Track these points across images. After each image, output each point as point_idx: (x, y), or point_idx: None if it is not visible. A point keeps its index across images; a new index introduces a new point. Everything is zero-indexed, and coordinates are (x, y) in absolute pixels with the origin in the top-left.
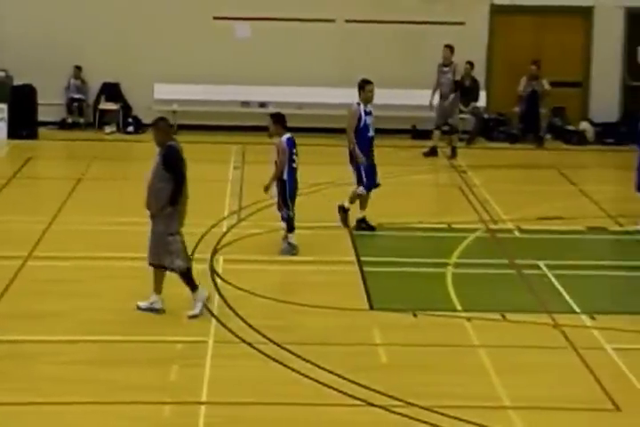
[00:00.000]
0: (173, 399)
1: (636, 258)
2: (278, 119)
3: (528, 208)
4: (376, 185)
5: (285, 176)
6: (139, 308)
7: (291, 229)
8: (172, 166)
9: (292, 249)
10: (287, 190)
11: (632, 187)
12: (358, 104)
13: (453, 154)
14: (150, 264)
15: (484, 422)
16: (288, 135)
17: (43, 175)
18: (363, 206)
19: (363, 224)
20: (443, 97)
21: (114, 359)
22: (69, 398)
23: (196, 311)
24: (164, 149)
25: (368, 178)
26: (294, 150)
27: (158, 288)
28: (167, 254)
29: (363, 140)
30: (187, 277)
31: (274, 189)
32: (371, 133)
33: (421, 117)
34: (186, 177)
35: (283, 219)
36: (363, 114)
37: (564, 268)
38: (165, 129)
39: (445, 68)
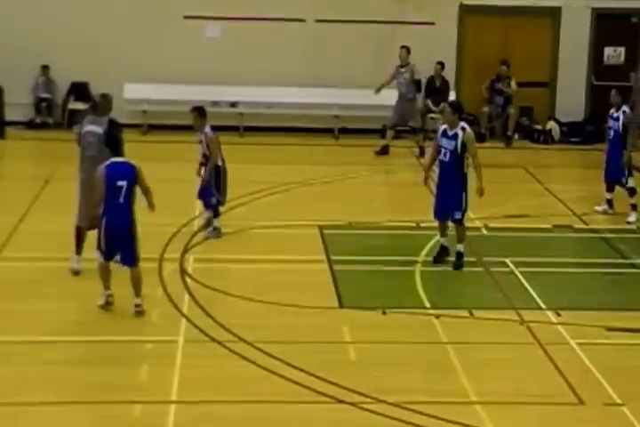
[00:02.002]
0: (143, 399)
1: (600, 255)
2: (202, 113)
3: (495, 206)
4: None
5: (220, 162)
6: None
7: (216, 214)
8: None
9: (217, 233)
10: (222, 176)
11: (599, 184)
12: (443, 123)
13: (422, 153)
14: None
15: (452, 417)
16: (209, 126)
17: (11, 175)
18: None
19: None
20: (401, 97)
21: (84, 359)
22: (38, 398)
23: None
24: None
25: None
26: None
27: None
28: None
29: (439, 162)
30: None
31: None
32: (441, 157)
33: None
34: None
35: (209, 206)
36: (439, 134)
37: (531, 265)
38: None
39: (402, 69)
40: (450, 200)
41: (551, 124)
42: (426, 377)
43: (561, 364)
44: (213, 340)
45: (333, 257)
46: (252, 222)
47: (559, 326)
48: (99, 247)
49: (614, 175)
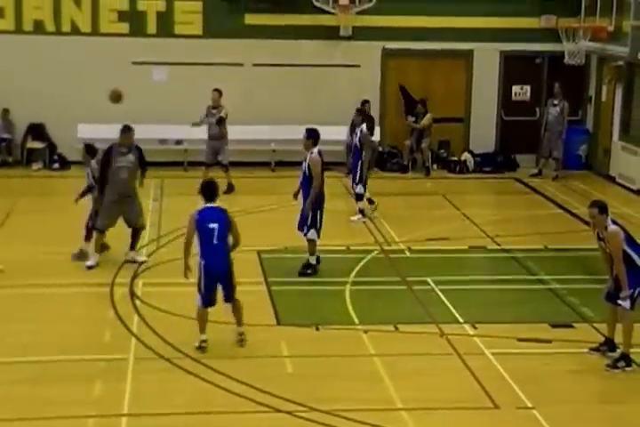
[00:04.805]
0: (97, 413)
1: (512, 273)
2: (88, 150)
3: (418, 231)
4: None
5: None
6: None
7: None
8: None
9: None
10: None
11: (510, 208)
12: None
13: (229, 189)
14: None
15: (379, 422)
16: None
17: None
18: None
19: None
20: (211, 137)
21: (42, 378)
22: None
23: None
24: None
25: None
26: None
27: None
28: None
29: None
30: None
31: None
32: (300, 179)
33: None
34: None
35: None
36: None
37: (450, 283)
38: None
39: (214, 111)
40: (301, 217)
41: (466, 156)
42: (356, 387)
43: (477, 372)
44: (161, 357)
45: (271, 279)
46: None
47: (475, 338)
48: (199, 290)
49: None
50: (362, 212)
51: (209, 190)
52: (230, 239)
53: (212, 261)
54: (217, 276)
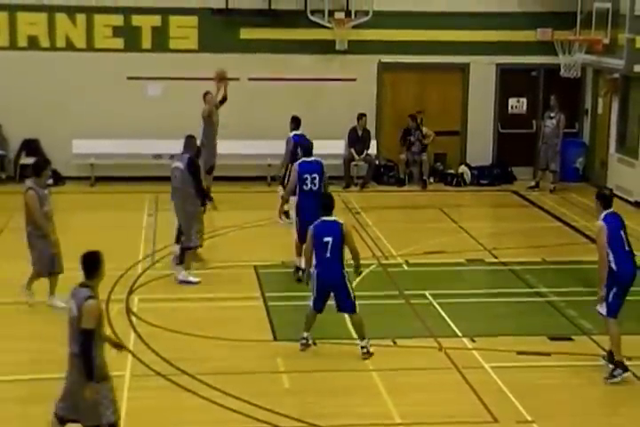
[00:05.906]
0: None
1: (509, 286)
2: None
3: (415, 244)
4: None
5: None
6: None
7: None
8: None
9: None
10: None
11: (506, 221)
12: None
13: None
14: None
15: None
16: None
17: None
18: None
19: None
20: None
21: (37, 396)
22: None
23: None
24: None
25: None
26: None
27: None
28: None
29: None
30: None
31: None
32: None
33: None
34: None
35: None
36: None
37: (448, 296)
38: None
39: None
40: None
41: (463, 169)
42: (354, 402)
43: (476, 386)
44: (158, 374)
45: (268, 294)
46: (193, 264)
47: (474, 352)
48: (312, 293)
49: None
50: (286, 213)
51: (326, 203)
52: (347, 251)
53: (324, 274)
54: (330, 287)
